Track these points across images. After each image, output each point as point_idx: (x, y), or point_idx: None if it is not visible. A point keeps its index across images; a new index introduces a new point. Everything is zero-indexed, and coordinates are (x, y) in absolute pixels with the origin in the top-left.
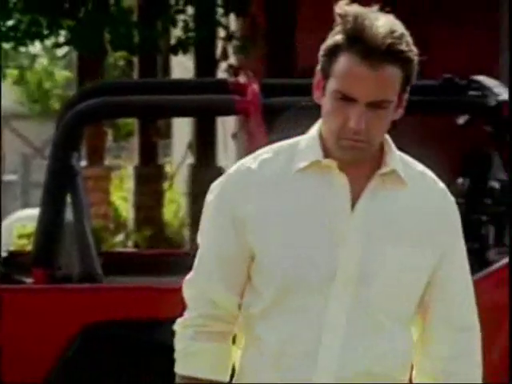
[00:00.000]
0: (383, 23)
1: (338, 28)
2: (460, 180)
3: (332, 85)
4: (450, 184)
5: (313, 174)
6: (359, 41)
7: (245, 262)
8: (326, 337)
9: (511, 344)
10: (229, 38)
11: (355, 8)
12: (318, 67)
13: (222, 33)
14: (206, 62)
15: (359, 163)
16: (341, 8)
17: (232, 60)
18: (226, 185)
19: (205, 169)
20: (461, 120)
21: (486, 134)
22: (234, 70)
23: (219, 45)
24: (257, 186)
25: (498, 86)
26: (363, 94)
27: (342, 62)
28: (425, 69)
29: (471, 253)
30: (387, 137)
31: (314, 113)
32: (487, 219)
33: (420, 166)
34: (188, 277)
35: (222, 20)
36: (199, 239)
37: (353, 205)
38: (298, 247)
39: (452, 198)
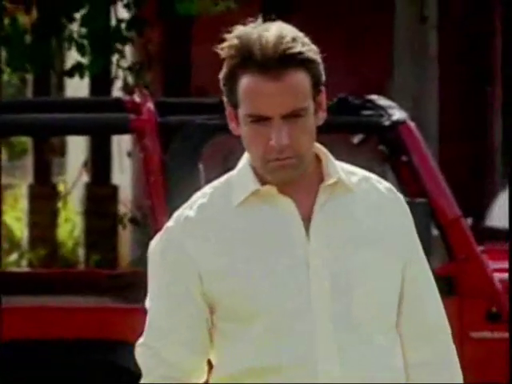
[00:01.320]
0: (271, 32)
1: (228, 55)
2: None
3: (242, 111)
4: None
5: (255, 204)
6: (252, 57)
7: (203, 316)
8: (322, 362)
9: (511, 344)
10: (128, 69)
11: (238, 29)
12: (225, 99)
13: (117, 58)
14: (101, 81)
15: (299, 180)
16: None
17: (129, 79)
18: (167, 243)
19: (100, 187)
20: (355, 139)
21: (380, 153)
22: (129, 89)
23: (114, 70)
24: (201, 235)
25: (392, 105)
26: (274, 109)
27: (243, 84)
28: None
29: None
30: (321, 147)
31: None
32: None
33: (361, 171)
34: (139, 341)
35: (118, 46)
36: (147, 304)
37: (305, 224)
38: (264, 281)
39: (400, 195)
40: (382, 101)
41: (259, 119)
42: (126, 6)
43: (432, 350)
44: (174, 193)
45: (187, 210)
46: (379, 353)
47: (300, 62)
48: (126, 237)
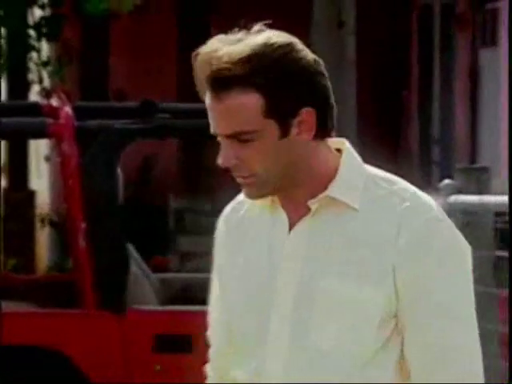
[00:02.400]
0: (227, 49)
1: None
2: None
3: None
4: None
5: (265, 211)
6: (202, 74)
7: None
8: (269, 363)
9: (511, 344)
10: (44, 63)
11: (203, 47)
12: None
13: (35, 56)
14: (18, 85)
15: (293, 194)
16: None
17: (46, 83)
18: (217, 230)
19: (17, 192)
20: None
21: None
22: (46, 93)
23: (32, 68)
24: (224, 235)
25: None
26: (217, 127)
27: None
28: None
29: None
30: (347, 155)
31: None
32: None
33: (396, 186)
34: None
35: (35, 44)
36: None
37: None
38: (243, 276)
39: (424, 217)
40: None
41: (216, 136)
42: (41, 6)
43: (441, 378)
44: (91, 197)
45: (232, 203)
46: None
47: (246, 82)
48: (43, 241)
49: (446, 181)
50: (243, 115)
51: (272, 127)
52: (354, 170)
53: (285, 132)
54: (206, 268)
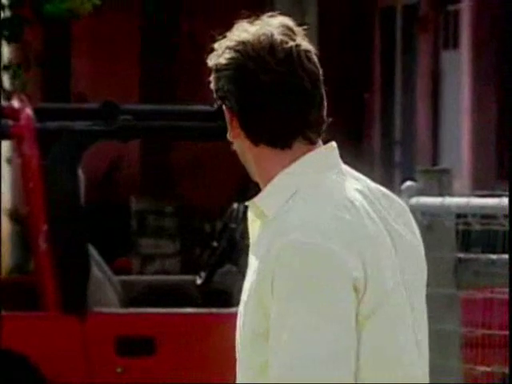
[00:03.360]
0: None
1: None
2: (235, 205)
3: None
4: (225, 209)
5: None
6: None
7: None
8: None
9: (511, 344)
10: (5, 67)
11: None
12: None
13: None
14: None
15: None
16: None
17: (7, 85)
18: None
19: None
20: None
21: None
22: (7, 95)
23: None
24: None
25: None
26: None
27: None
28: (200, 95)
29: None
30: (295, 165)
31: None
32: None
33: (302, 204)
34: None
35: None
36: None
37: None
38: None
39: (284, 240)
40: None
41: None
42: (1, 8)
43: None
44: (52, 198)
45: None
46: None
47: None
48: (4, 244)
49: (408, 182)
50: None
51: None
52: (288, 178)
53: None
54: (168, 270)
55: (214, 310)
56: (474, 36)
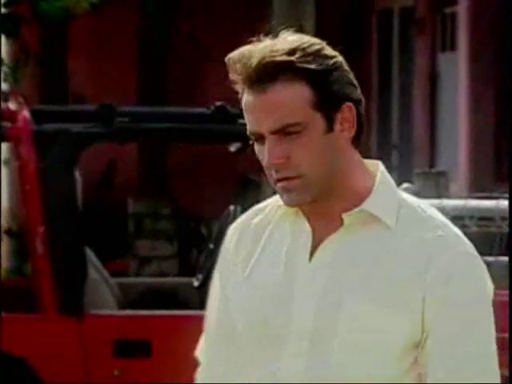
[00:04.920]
0: (261, 44)
1: (231, 78)
2: (232, 207)
3: None
4: (222, 211)
5: (285, 222)
6: (242, 73)
7: None
8: None
9: (511, 344)
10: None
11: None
12: None
13: None
14: None
15: (325, 206)
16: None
17: (4, 86)
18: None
19: None
20: (233, 148)
21: (257, 161)
22: (4, 96)
23: None
24: (236, 243)
25: None
26: (261, 125)
27: (243, 99)
28: (197, 98)
29: None
30: (383, 175)
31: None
32: None
33: (429, 212)
34: None
35: None
36: None
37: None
38: (252, 300)
39: (458, 250)
40: None
41: (257, 137)
42: None
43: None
44: (49, 201)
45: (250, 211)
46: None
47: (292, 72)
48: (1, 247)
49: (405, 185)
50: (291, 106)
51: (318, 120)
52: (389, 190)
53: (330, 126)
54: (165, 272)
55: None
56: (471, 38)
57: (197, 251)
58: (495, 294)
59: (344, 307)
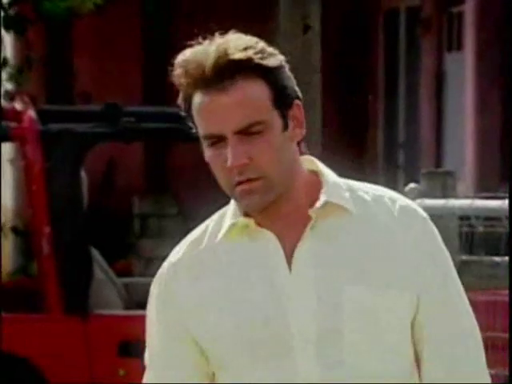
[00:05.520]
0: (214, 43)
1: (177, 79)
2: None
3: (199, 134)
4: None
5: (237, 239)
6: (195, 74)
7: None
8: None
9: (511, 344)
10: (4, 63)
11: (183, 53)
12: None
13: None
14: None
15: (285, 206)
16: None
17: (9, 86)
18: (157, 287)
19: None
20: None
21: None
22: (10, 97)
23: None
24: (186, 275)
25: None
26: (224, 125)
27: (194, 105)
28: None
29: None
30: (321, 167)
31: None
32: None
33: (374, 189)
34: None
35: None
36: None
37: (290, 256)
38: (238, 320)
39: (421, 214)
40: None
41: (215, 140)
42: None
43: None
44: (55, 201)
45: (178, 247)
46: None
47: (250, 70)
48: (6, 246)
49: (411, 185)
50: (254, 103)
51: (276, 119)
52: (335, 180)
53: (285, 124)
54: None
55: None
56: (477, 37)
57: None
58: (502, 295)
59: (345, 299)
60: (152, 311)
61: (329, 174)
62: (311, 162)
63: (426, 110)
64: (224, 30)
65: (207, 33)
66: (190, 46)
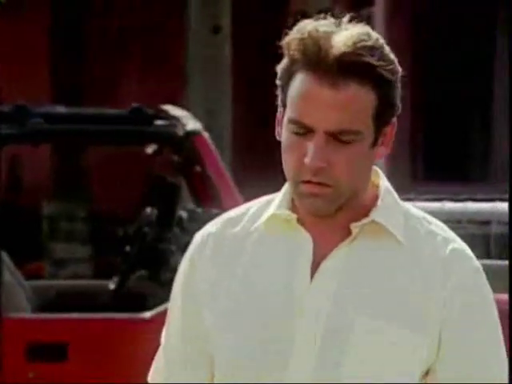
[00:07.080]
0: (347, 33)
1: (291, 47)
2: (148, 209)
3: (286, 113)
4: (138, 213)
5: (274, 231)
6: (314, 55)
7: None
8: None
9: (511, 344)
10: None
11: (310, 23)
12: (278, 97)
13: None
14: None
15: (335, 215)
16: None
17: None
18: (184, 262)
19: None
20: (149, 149)
21: (173, 163)
22: None
23: None
24: (211, 252)
25: (185, 115)
26: (320, 120)
27: (295, 83)
28: (115, 101)
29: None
30: (386, 184)
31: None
32: (175, 249)
33: (435, 224)
34: None
35: None
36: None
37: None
38: (248, 322)
39: (474, 265)
40: (175, 111)
41: (301, 128)
42: None
43: None
44: None
45: (213, 223)
46: None
47: (368, 76)
48: None
49: None
50: (360, 111)
51: (371, 133)
52: (394, 201)
53: (376, 140)
54: (81, 275)
55: (127, 315)
56: (388, 38)
57: (113, 254)
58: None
59: (355, 322)
60: (176, 286)
61: (388, 192)
62: (376, 174)
63: None
64: (136, 31)
65: (119, 32)
66: (310, 16)
